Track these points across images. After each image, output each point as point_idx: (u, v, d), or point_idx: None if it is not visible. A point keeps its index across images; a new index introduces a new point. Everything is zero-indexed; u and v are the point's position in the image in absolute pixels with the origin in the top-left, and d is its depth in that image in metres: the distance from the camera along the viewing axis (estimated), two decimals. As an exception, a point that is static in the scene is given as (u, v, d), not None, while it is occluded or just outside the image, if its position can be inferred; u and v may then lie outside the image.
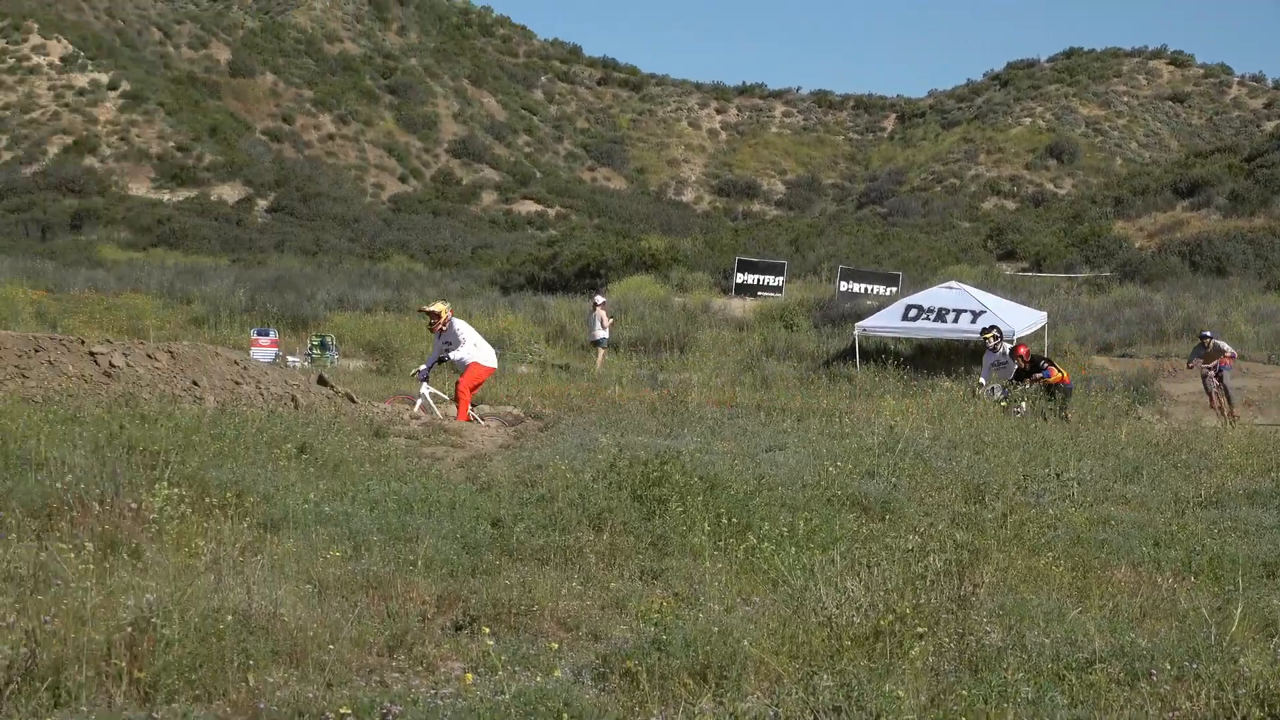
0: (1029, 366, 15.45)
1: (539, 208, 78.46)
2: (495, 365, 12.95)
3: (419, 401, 12.43)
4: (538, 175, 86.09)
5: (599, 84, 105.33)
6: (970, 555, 5.95)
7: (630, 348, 22.27)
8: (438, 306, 12.89)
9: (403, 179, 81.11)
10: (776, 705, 4.08)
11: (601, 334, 20.58)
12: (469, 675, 4.14)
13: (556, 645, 4.68)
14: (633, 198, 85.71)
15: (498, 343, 20.44)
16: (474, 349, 12.36)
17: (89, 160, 65.60)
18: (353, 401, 11.63)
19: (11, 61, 72.72)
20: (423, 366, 12.92)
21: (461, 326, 12.59)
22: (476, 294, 32.05)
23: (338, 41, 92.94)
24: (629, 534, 6.67)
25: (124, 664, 4.10)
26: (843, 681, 4.08)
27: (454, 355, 12.36)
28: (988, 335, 16.69)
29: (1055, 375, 15.25)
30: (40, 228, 52.05)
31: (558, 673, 4.20)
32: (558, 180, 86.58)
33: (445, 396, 12.57)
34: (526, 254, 43.41)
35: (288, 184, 68.11)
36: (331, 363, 18.93)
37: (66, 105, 70.52)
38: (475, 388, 12.42)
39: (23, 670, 3.95)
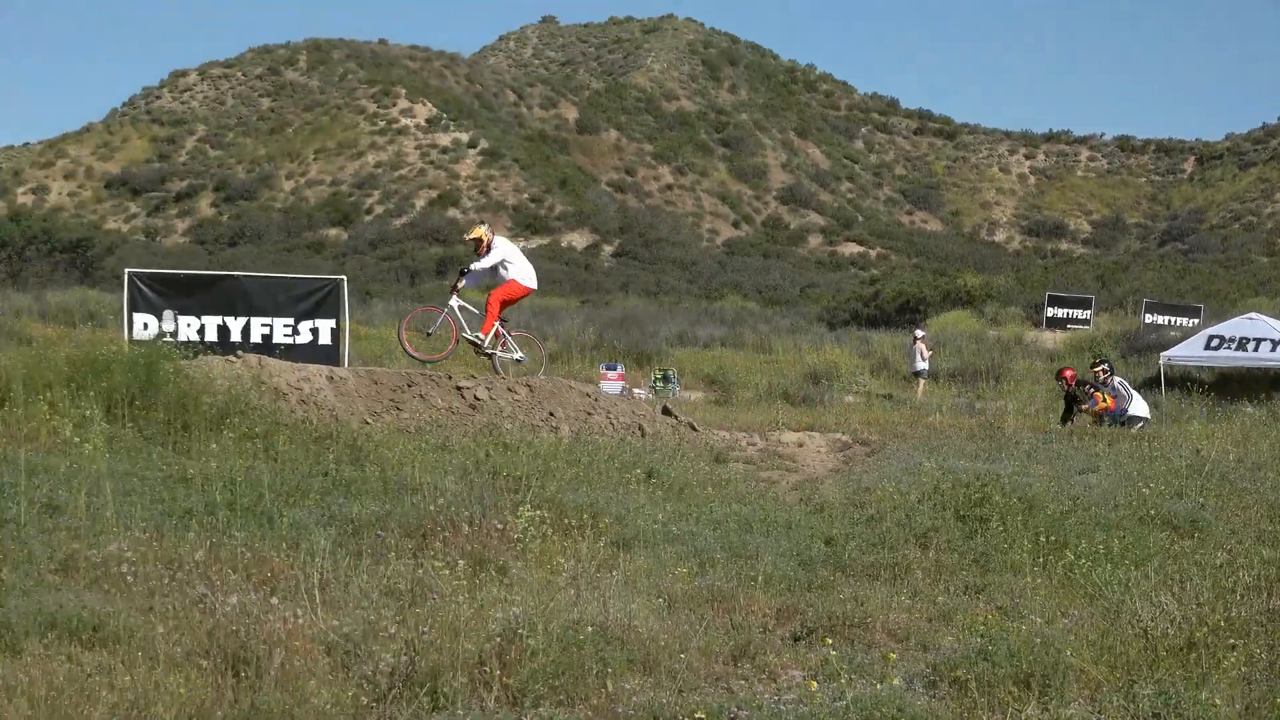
0: (1074, 393, 15.31)
1: (861, 249, 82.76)
2: (534, 285, 12.70)
3: (442, 314, 12.32)
4: (860, 219, 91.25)
5: (915, 133, 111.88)
6: (1277, 571, 6.10)
7: (949, 378, 23.20)
8: (477, 232, 12.64)
9: (735, 224, 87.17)
10: (1098, 712, 4.33)
11: (922, 365, 21.62)
12: (813, 682, 4.29)
13: (895, 655, 4.80)
14: (948, 238, 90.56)
15: (826, 374, 21.52)
16: (512, 267, 12.25)
17: (452, 211, 74.35)
18: (694, 430, 12.08)
19: (383, 124, 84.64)
20: (460, 281, 12.68)
21: (502, 244, 12.41)
22: (805, 329, 33.55)
23: (675, 100, 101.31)
24: (953, 551, 7.03)
25: (495, 671, 4.34)
26: (1160, 690, 4.31)
27: (486, 268, 12.22)
28: (1098, 369, 16.25)
29: (1100, 404, 14.95)
30: (409, 273, 58.48)
31: (895, 680, 4.31)
32: (878, 223, 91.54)
33: (475, 310, 12.46)
34: (850, 292, 46.58)
35: (631, 231, 74.52)
36: (673, 394, 19.80)
37: (431, 163, 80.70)
38: (508, 303, 12.36)
39: (404, 676, 4.23)
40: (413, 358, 12.36)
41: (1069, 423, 14.84)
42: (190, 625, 4.54)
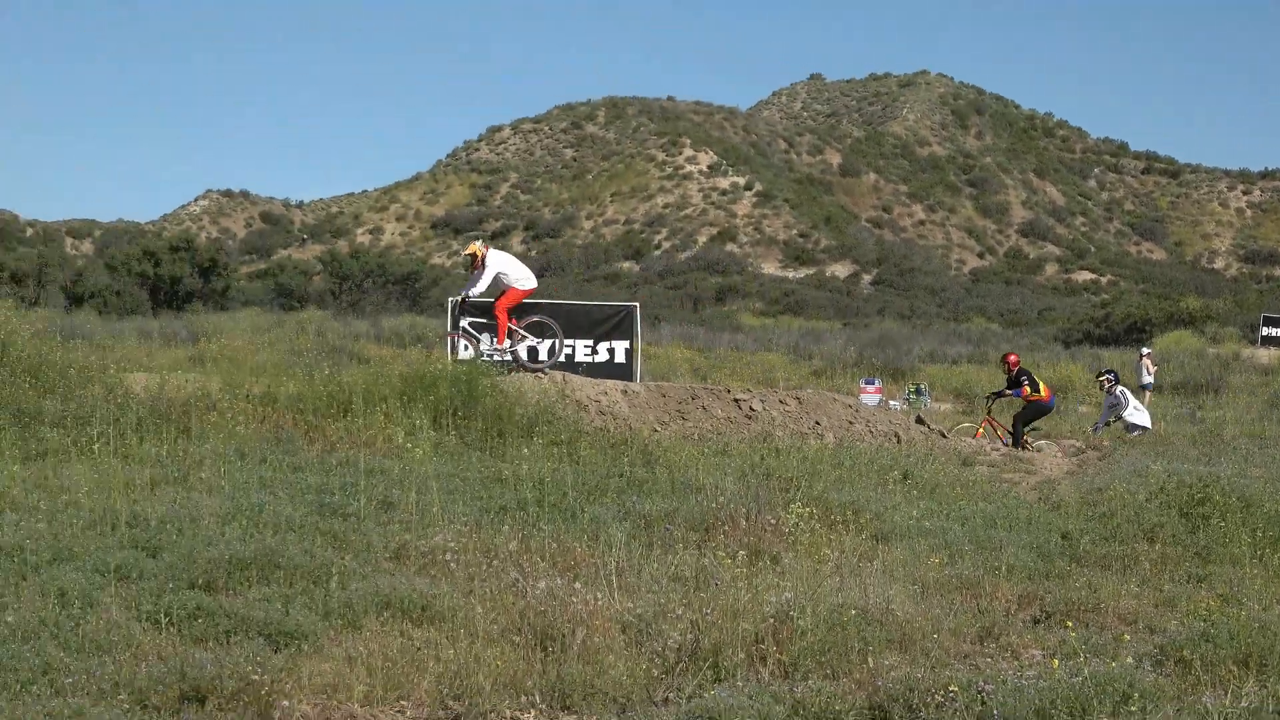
0: (1012, 378, 15.83)
1: (1093, 276, 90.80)
2: (533, 285, 13.29)
3: (458, 338, 13.21)
4: (1092, 250, 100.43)
5: (1143, 173, 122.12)
6: None
7: (1172, 390, 24.78)
8: (472, 248, 13.21)
9: (980, 255, 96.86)
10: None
11: (1148, 379, 23.12)
12: (1055, 660, 4.55)
13: (1127, 636, 5.13)
14: (1171, 266, 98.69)
15: (1061, 387, 22.03)
16: (509, 275, 12.77)
17: (730, 246, 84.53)
18: (944, 437, 13.38)
19: (670, 170, 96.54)
20: (462, 296, 13.46)
21: (495, 258, 12.94)
22: (1042, 348, 36.50)
23: (927, 145, 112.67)
24: (1177, 545, 7.65)
25: (770, 648, 4.92)
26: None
27: (486, 285, 12.71)
28: (1103, 378, 17.65)
29: (1026, 392, 15.32)
30: (692, 301, 65.10)
31: (1127, 659, 4.58)
32: (1108, 253, 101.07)
33: (485, 320, 13.04)
34: (1084, 314, 52.76)
35: (887, 261, 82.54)
36: (925, 406, 21.16)
37: (712, 203, 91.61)
38: (511, 307, 12.89)
39: (689, 652, 4.86)
40: None
41: (991, 402, 16.18)
42: (504, 606, 5.21)
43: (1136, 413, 16.56)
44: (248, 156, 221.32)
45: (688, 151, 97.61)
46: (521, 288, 12.98)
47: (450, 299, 14.86)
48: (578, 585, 5.29)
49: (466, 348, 13.34)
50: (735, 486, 7.77)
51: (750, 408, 11.89)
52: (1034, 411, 15.45)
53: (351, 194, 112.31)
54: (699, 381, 13.25)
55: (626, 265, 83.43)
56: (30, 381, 9.38)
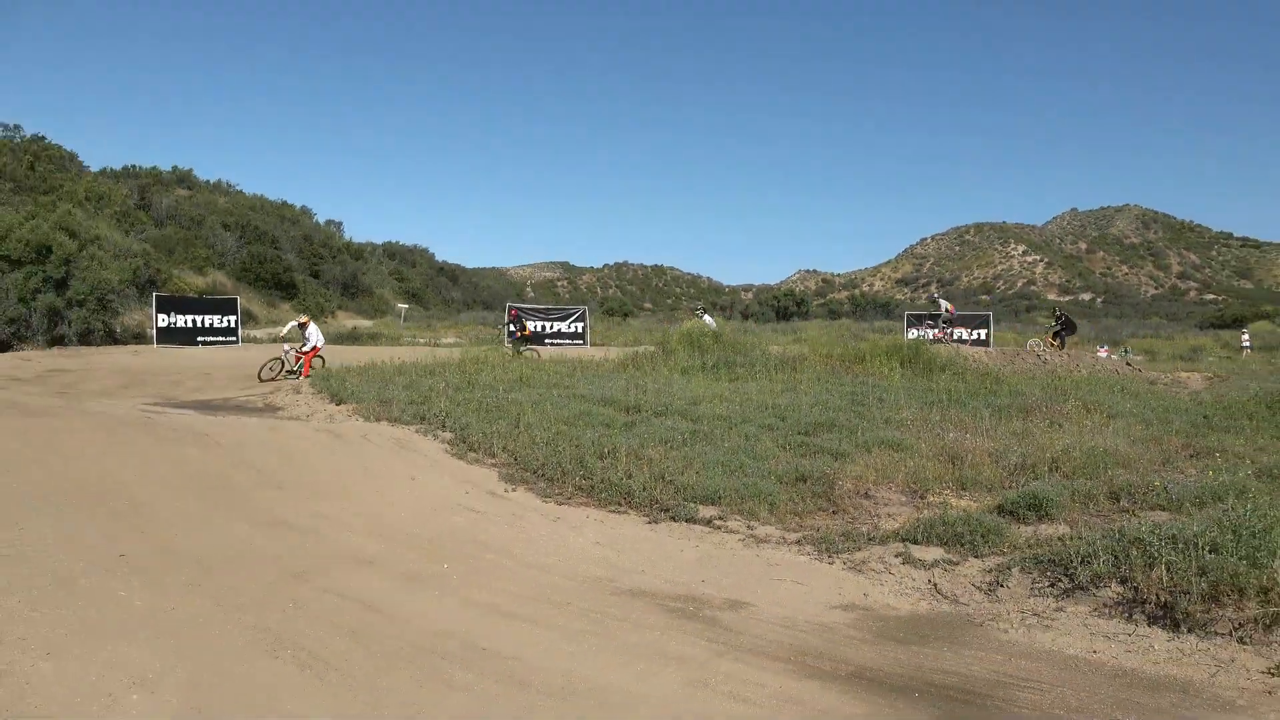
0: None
1: (1213, 296, 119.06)
2: (321, 344, 21.60)
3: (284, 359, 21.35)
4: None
5: (1240, 246, 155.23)
6: None
7: (1260, 350, 35.88)
8: (302, 319, 22.02)
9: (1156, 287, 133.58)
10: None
11: (1246, 344, 36.33)
12: (1210, 471, 9.99)
13: (1247, 463, 10.86)
14: (1256, 291, 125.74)
15: (1196, 349, 32.11)
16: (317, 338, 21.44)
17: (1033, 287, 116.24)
18: (1139, 371, 20.96)
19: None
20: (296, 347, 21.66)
21: (313, 329, 21.43)
22: (1188, 331, 60.31)
23: (1129, 239, 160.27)
24: (1264, 420, 13.33)
25: (1060, 466, 10.72)
26: None
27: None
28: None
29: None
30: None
31: (1242, 474, 10.17)
32: (1221, 285, 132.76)
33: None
34: (1210, 313, 79.75)
35: (1112, 291, 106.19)
36: (1129, 357, 31.41)
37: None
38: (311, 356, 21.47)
39: (1019, 466, 10.70)
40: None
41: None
42: (934, 443, 11.48)
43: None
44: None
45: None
46: (318, 345, 22.22)
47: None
48: (967, 435, 11.37)
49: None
50: (1040, 392, 13.96)
51: (1045, 358, 18.42)
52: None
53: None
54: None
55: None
56: (732, 349, 18.90)
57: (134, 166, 74.28)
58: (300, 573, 6.41)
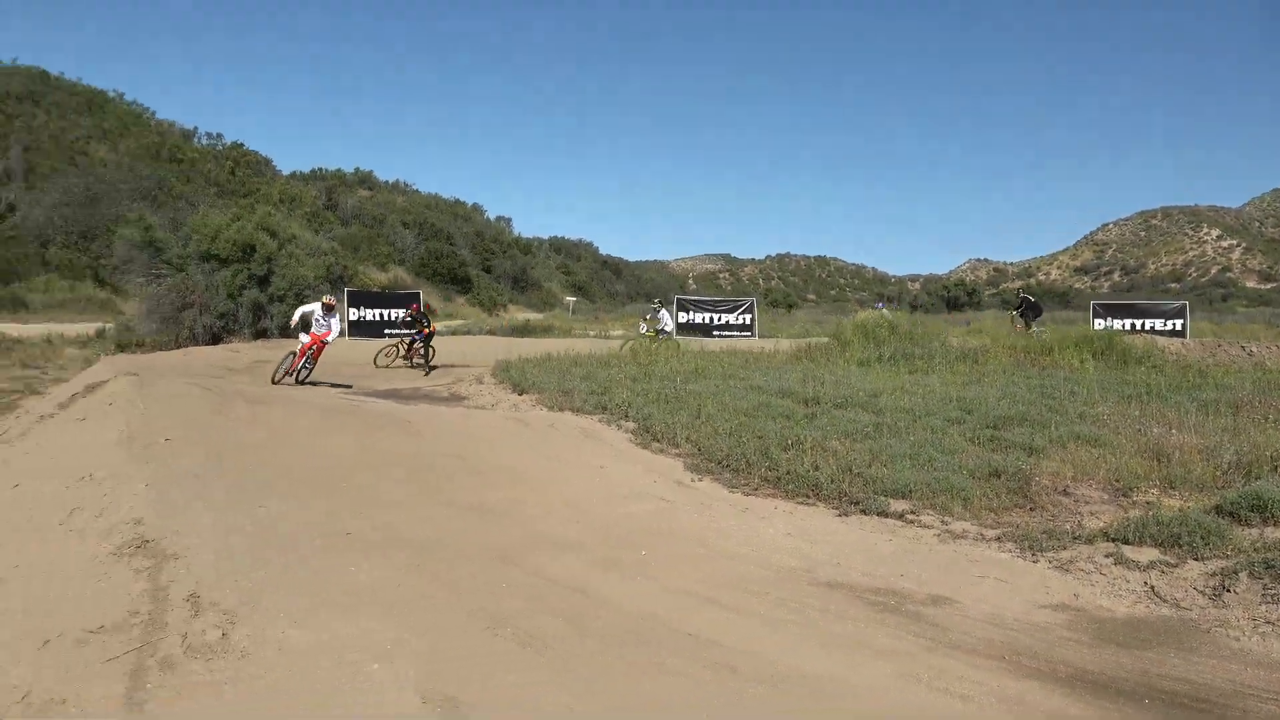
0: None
1: None
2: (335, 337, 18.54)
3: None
4: None
5: None
6: None
7: None
8: (328, 299, 18.67)
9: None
10: None
11: None
12: None
13: None
14: None
15: None
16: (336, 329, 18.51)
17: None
18: None
19: None
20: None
21: (335, 318, 18.50)
22: None
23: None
24: None
25: None
26: None
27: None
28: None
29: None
30: None
31: None
32: None
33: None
34: None
35: None
36: None
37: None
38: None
39: (1234, 465, 10.03)
40: None
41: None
42: (1136, 439, 10.95)
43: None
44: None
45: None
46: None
47: None
48: (1173, 431, 10.76)
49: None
50: (1251, 386, 13.02)
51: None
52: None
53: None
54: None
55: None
56: (910, 340, 18.91)
57: (321, 169, 78.84)
58: (507, 555, 6.70)
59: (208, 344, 26.91)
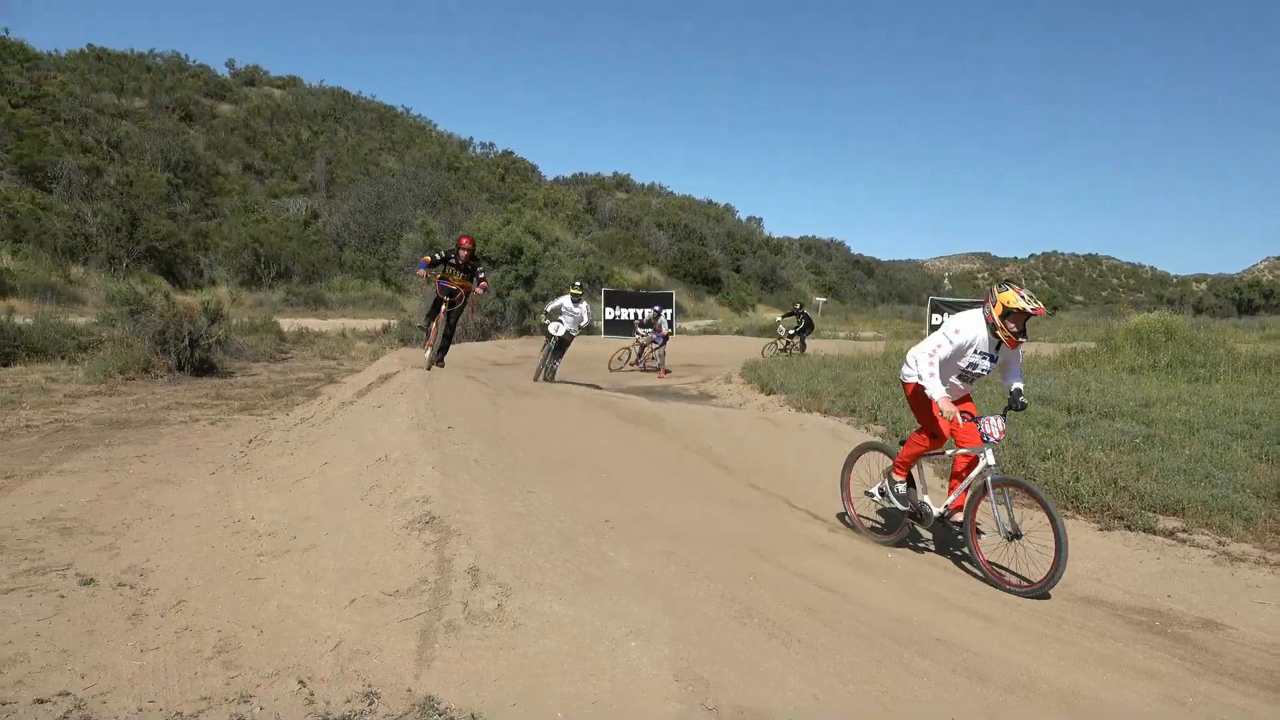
0: None
1: None
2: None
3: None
4: None
5: None
6: None
7: None
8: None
9: None
10: None
11: None
12: None
13: None
14: None
15: None
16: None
17: None
18: None
19: None
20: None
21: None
22: None
23: None
24: None
25: None
26: None
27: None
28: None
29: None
30: None
31: None
32: None
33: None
34: None
35: None
36: None
37: None
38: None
39: None
40: None
41: None
42: None
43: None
44: None
45: None
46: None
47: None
48: None
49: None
50: None
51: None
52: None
53: None
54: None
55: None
56: (1190, 346, 18.00)
57: (581, 174, 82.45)
58: (759, 549, 6.94)
59: (477, 340, 29.02)
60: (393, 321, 32.45)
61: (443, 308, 13.59)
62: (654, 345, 23.72)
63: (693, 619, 5.53)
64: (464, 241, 13.47)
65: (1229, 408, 12.28)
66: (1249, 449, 10.20)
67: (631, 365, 23.83)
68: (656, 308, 27.63)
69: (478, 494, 7.34)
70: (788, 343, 26.29)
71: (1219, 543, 7.64)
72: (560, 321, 17.62)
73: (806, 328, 26.66)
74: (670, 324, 24.41)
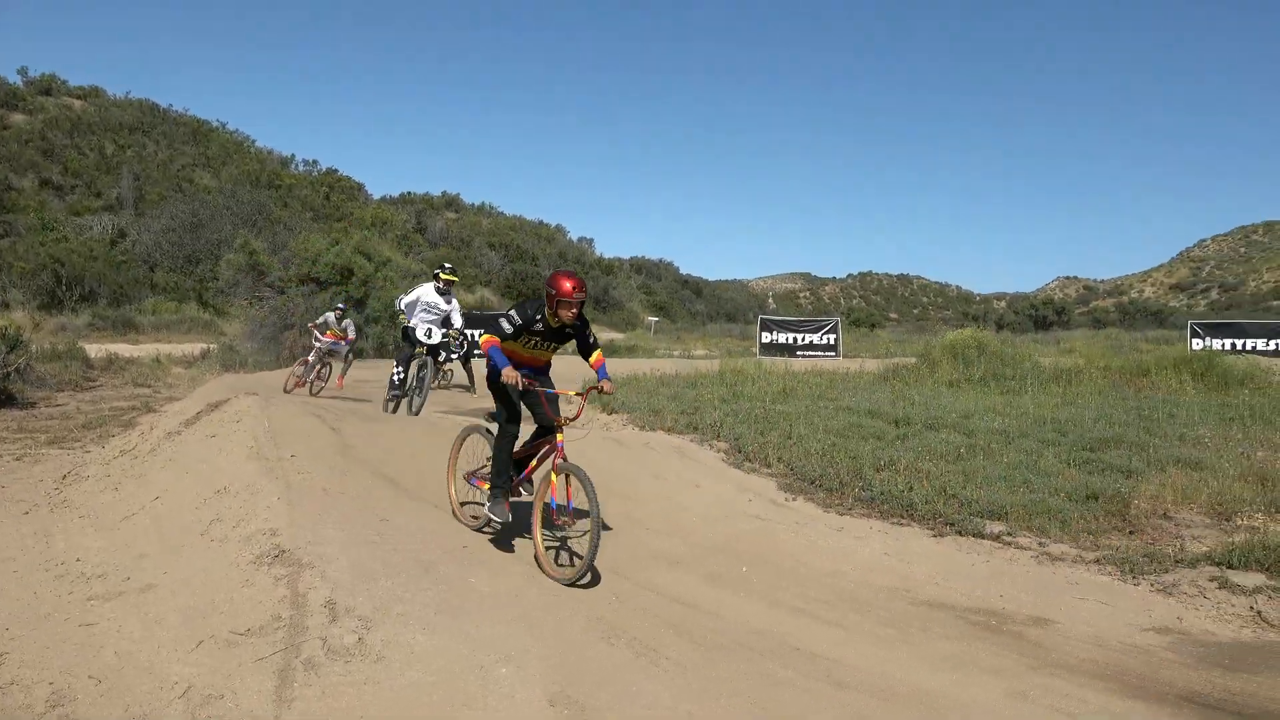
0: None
1: None
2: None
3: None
4: None
5: None
6: None
7: None
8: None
9: None
10: None
11: None
12: None
13: None
14: None
15: None
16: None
17: None
18: None
19: None
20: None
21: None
22: None
23: None
24: None
25: None
26: None
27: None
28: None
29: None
30: None
31: None
32: None
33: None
34: None
35: None
36: None
37: None
38: None
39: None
40: None
41: None
42: (1240, 461, 10.72)
43: None
44: None
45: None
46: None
47: None
48: (1279, 455, 10.61)
49: None
50: None
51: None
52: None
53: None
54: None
55: None
56: (1000, 360, 18.82)
57: (410, 193, 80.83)
58: (617, 569, 6.99)
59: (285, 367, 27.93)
60: (212, 346, 30.87)
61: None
62: (341, 352, 18.64)
63: (561, 642, 5.52)
64: (572, 285, 7.84)
65: (1038, 417, 13.24)
66: (1058, 455, 11.02)
67: (300, 384, 18.16)
68: (341, 306, 19.83)
69: (329, 524, 7.09)
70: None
71: (1040, 544, 8.22)
72: (426, 323, 13.64)
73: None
74: (359, 330, 20.13)
